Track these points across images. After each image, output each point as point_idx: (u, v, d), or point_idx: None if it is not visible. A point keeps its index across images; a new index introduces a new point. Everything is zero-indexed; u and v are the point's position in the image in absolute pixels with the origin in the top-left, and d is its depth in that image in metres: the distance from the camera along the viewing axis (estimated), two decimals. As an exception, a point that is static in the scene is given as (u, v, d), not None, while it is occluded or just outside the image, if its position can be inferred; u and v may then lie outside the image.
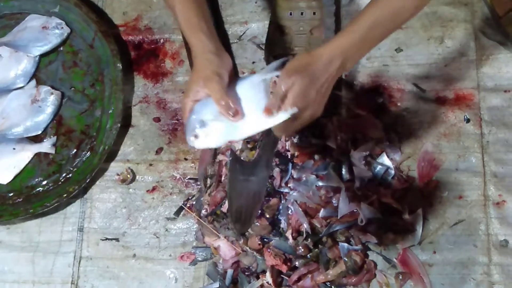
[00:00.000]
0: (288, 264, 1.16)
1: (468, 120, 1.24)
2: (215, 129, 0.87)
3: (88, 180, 1.29)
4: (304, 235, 1.15)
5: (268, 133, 0.94)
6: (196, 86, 0.89)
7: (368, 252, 1.19)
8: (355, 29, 0.90)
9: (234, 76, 0.93)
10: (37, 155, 1.35)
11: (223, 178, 1.25)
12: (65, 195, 1.28)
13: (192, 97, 0.90)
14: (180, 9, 0.96)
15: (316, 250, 1.16)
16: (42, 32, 1.38)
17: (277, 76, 0.88)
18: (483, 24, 1.29)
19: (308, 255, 1.16)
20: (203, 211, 1.24)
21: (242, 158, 1.21)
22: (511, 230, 1.18)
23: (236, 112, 0.85)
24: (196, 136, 0.87)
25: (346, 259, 1.15)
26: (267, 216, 1.16)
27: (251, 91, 0.89)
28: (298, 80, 0.85)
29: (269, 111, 0.85)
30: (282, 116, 0.85)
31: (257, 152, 1.18)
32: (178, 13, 0.96)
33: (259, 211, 1.15)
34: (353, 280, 1.16)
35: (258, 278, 1.18)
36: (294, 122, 0.88)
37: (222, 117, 0.86)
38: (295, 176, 1.19)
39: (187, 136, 0.88)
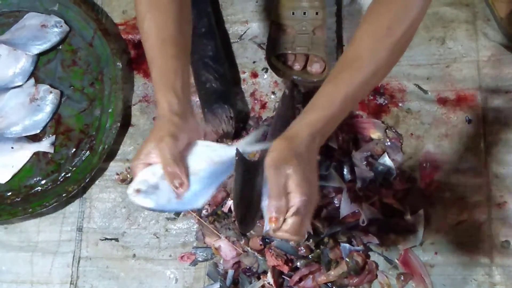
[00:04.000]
0: (290, 264, 1.15)
1: (469, 121, 1.24)
2: (160, 191, 0.81)
3: (88, 179, 1.28)
4: (306, 236, 1.15)
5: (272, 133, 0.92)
6: (148, 148, 0.82)
7: (370, 253, 1.19)
8: (331, 103, 0.84)
9: (205, 141, 0.85)
10: (36, 154, 1.33)
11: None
12: (64, 194, 1.27)
13: (143, 159, 0.83)
14: (158, 60, 0.86)
15: (318, 250, 1.16)
16: (41, 31, 1.37)
17: (237, 153, 0.82)
18: (485, 25, 1.28)
19: (310, 255, 1.16)
20: (204, 211, 1.23)
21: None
22: (513, 231, 1.18)
23: (181, 183, 0.80)
24: (138, 191, 0.81)
25: (348, 260, 1.14)
26: (269, 216, 1.16)
27: (208, 160, 0.84)
28: (292, 167, 0.76)
29: (276, 220, 0.75)
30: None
31: (259, 152, 1.17)
32: (155, 63, 0.87)
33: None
34: (354, 281, 1.16)
35: (259, 278, 1.18)
36: (305, 218, 0.77)
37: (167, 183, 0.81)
38: (296, 176, 1.18)
39: (128, 190, 0.82)
